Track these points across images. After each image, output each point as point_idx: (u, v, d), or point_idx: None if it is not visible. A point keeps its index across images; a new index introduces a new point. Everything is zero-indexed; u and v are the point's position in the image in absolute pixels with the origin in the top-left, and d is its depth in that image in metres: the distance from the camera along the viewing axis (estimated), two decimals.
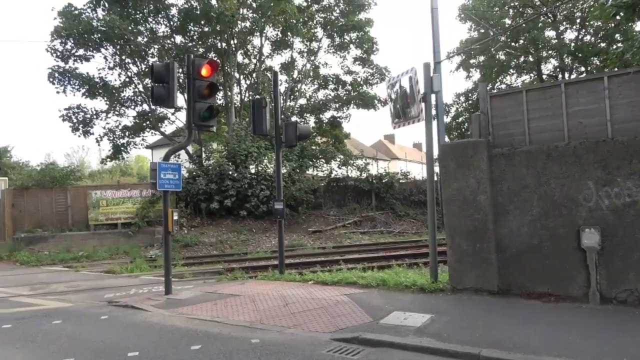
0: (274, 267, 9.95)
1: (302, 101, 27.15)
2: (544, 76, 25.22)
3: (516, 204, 6.87)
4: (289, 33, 24.42)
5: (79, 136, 23.36)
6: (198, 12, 21.93)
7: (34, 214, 18.77)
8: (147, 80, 22.47)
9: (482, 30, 24.52)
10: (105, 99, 23.27)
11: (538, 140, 6.96)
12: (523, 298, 6.64)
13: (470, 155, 7.17)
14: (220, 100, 23.64)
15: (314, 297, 7.60)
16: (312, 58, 26.36)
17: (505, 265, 6.90)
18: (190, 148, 23.30)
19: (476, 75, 27.35)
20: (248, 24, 23.22)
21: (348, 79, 27.22)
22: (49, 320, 7.23)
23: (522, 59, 25.05)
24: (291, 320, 6.37)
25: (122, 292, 9.15)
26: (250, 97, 23.54)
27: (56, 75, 21.97)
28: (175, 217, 8.66)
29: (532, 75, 25.62)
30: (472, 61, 26.98)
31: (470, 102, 26.62)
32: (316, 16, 25.41)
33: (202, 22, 22.47)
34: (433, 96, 8.01)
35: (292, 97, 26.08)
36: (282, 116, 20.04)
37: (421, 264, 9.02)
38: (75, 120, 22.90)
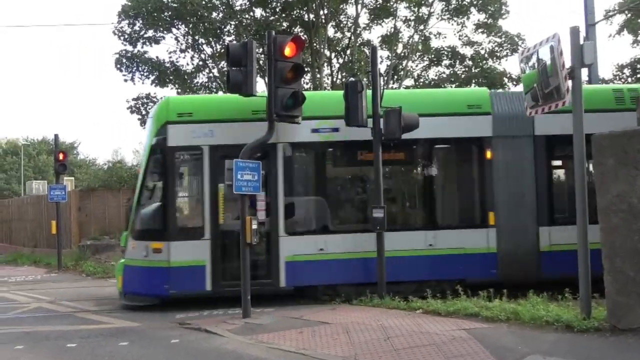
0: (372, 290, 9.96)
1: (408, 82, 26.93)
2: None
3: None
4: None
5: None
6: None
7: (100, 219, 20.66)
8: (223, 64, 23.73)
9: None
10: (177, 86, 25.00)
11: None
12: None
13: (638, 149, 6.61)
14: (307, 84, 24.24)
15: (423, 330, 7.48)
16: (421, 27, 25.95)
17: None
18: None
19: None
20: None
21: (468, 51, 26.48)
22: (115, 340, 7.93)
23: None
24: (394, 359, 6.31)
25: (194, 312, 9.75)
26: (344, 79, 23.83)
27: (124, 61, 24.04)
28: (255, 226, 9.02)
29: None
30: None
31: (638, 76, 24.53)
32: None
33: None
34: (584, 71, 7.50)
35: (395, 77, 25.94)
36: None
37: (568, 293, 8.48)
38: (144, 112, 24.89)
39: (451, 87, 26.18)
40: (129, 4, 23.03)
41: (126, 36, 23.86)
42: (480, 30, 26.03)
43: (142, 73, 24.44)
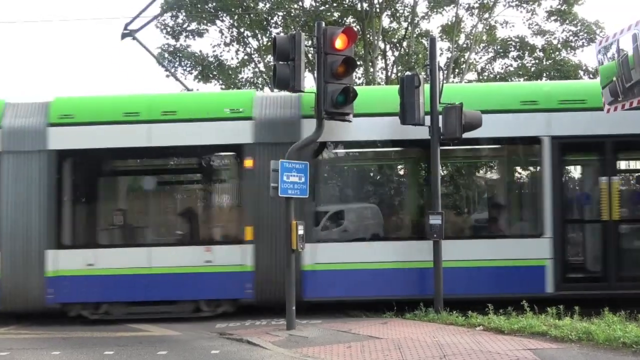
0: (427, 304, 9.87)
1: (471, 76, 26.54)
2: None
3: None
4: None
5: None
6: None
7: None
8: (269, 58, 24.06)
9: None
10: (221, 82, 25.48)
11: None
12: None
13: None
14: (359, 79, 24.23)
15: (483, 349, 7.37)
16: (486, 16, 25.56)
17: None
18: None
19: None
20: None
21: (538, 41, 25.90)
22: (153, 349, 8.19)
23: None
24: None
25: (236, 322, 9.94)
26: (399, 74, 23.72)
27: (166, 55, 24.71)
28: (301, 232, 9.10)
29: None
30: None
31: None
32: None
33: None
34: None
35: (456, 70, 25.62)
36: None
37: None
38: None
39: (519, 81, 25.71)
40: None
41: (168, 29, 24.56)
42: (552, 18, 25.39)
43: (184, 68, 25.10)
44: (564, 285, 10.05)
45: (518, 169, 12.19)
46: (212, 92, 12.45)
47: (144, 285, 10.14)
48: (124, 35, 12.91)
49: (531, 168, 11.48)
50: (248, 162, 10.19)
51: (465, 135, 9.64)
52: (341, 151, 11.37)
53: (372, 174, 12.79)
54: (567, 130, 10.01)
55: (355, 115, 9.75)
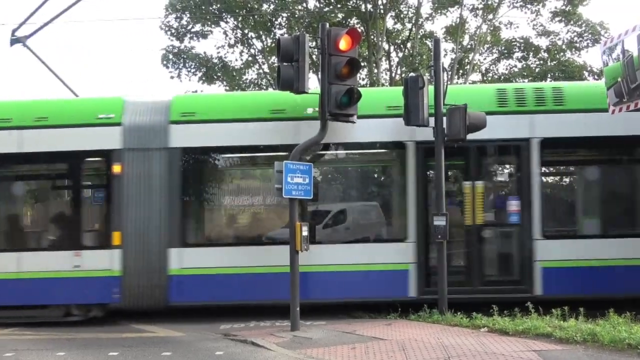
0: (430, 305, 9.88)
1: (475, 77, 26.58)
2: None
3: None
4: None
5: None
6: None
7: None
8: (273, 59, 24.14)
9: None
10: (225, 83, 25.59)
11: None
12: None
13: None
14: (363, 80, 24.28)
15: (487, 350, 7.35)
16: (490, 17, 25.60)
17: None
18: None
19: None
20: None
21: (543, 42, 25.96)
22: (158, 350, 8.20)
23: None
24: None
25: (240, 323, 9.95)
26: (403, 75, 23.75)
27: (170, 57, 24.85)
28: (305, 233, 9.11)
29: None
30: None
31: None
32: None
33: None
34: None
35: (460, 72, 25.63)
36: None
37: None
38: None
39: (524, 81, 25.74)
40: None
41: (173, 31, 24.70)
42: (557, 18, 25.46)
43: (188, 69, 25.23)
44: (426, 289, 10.04)
45: (385, 173, 12.26)
46: (84, 97, 12.32)
47: (14, 290, 10.10)
48: (12, 42, 12.54)
49: (396, 173, 11.17)
50: (117, 168, 10.17)
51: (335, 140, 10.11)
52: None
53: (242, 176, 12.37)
54: (430, 135, 9.81)
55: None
